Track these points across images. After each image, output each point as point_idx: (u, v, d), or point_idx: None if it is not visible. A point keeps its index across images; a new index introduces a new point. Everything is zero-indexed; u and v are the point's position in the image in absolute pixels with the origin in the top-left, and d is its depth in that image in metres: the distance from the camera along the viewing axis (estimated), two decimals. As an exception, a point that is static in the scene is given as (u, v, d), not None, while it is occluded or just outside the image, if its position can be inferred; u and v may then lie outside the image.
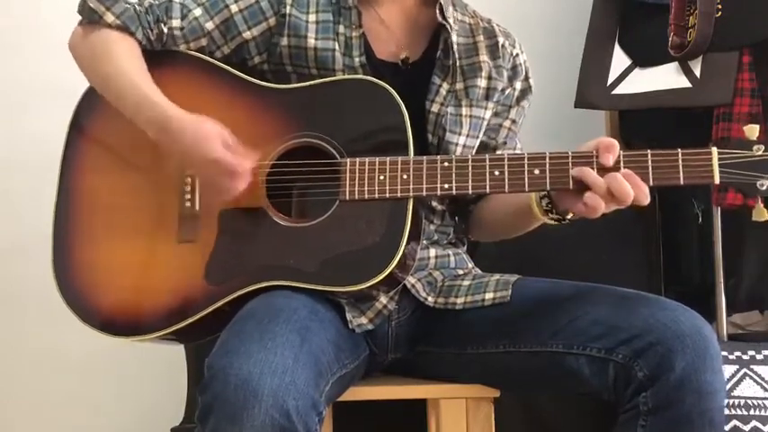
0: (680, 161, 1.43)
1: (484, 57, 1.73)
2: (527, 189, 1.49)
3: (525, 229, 1.72)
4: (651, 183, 1.44)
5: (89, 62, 1.66)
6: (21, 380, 2.62)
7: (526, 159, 1.48)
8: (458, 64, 1.69)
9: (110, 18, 1.63)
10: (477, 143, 1.74)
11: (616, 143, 1.46)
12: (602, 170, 1.45)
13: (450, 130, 1.67)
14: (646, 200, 1.44)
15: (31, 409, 2.63)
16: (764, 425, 2.11)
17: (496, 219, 1.75)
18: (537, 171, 1.48)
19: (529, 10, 2.76)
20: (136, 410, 2.63)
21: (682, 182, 1.43)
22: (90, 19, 1.64)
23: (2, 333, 2.61)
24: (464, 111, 1.70)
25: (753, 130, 1.44)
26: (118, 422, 2.64)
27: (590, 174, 1.45)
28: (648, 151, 1.44)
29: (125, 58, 1.62)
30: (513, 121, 1.80)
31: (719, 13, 2.17)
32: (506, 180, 1.49)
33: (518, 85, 1.78)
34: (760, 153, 1.42)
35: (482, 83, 1.72)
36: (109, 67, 1.61)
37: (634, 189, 1.42)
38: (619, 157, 1.45)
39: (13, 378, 2.62)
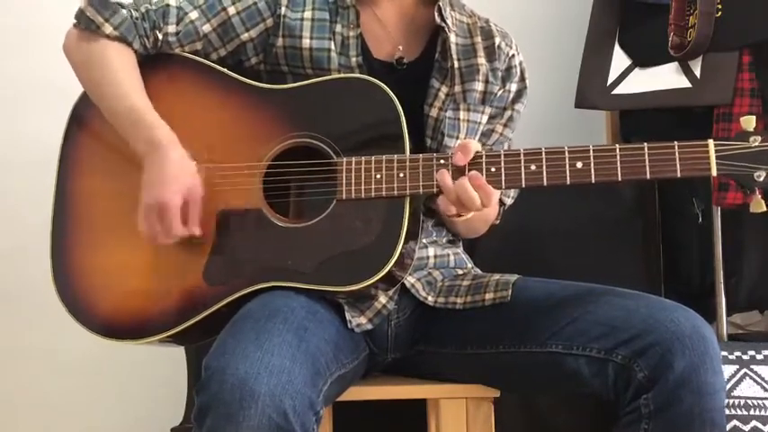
0: (677, 153, 1.43)
1: (481, 59, 1.72)
2: (524, 185, 1.49)
3: (460, 231, 1.74)
4: (648, 175, 1.44)
5: (84, 69, 1.66)
6: (20, 380, 2.62)
7: (522, 155, 1.48)
8: (456, 66, 1.69)
9: (108, 29, 1.62)
10: None
11: (471, 144, 1.50)
12: (457, 172, 1.49)
13: (448, 134, 1.67)
14: (489, 204, 1.48)
15: (31, 409, 2.62)
16: (764, 425, 2.10)
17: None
18: (533, 167, 1.48)
19: (529, 10, 2.76)
20: (136, 410, 2.63)
21: (679, 174, 1.43)
22: (86, 27, 1.64)
23: (2, 333, 2.61)
24: (462, 115, 1.70)
25: (749, 122, 1.43)
26: (118, 422, 2.64)
27: (445, 177, 1.48)
28: (645, 144, 1.44)
29: (122, 72, 1.62)
30: (505, 126, 1.79)
31: (719, 13, 2.17)
32: (503, 176, 1.49)
33: (512, 86, 1.77)
34: (756, 144, 1.41)
35: (479, 86, 1.71)
36: (105, 80, 1.62)
37: (479, 191, 1.47)
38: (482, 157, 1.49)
39: (12, 378, 2.62)
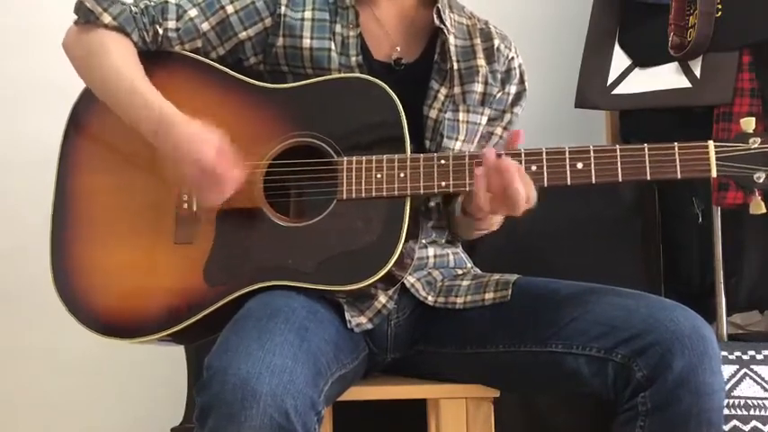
0: (677, 155, 1.43)
1: (481, 60, 1.72)
2: None
3: (469, 232, 1.74)
4: (648, 177, 1.44)
5: (84, 62, 1.66)
6: (20, 380, 2.62)
7: (523, 156, 1.48)
8: (455, 68, 1.69)
9: (106, 19, 1.63)
10: (473, 148, 1.74)
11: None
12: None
13: (448, 135, 1.67)
14: (532, 200, 1.45)
15: (31, 409, 2.62)
16: (764, 425, 2.11)
17: (450, 221, 1.76)
18: (534, 167, 1.48)
19: (529, 10, 2.76)
20: (136, 410, 2.63)
21: (679, 175, 1.43)
22: (86, 19, 1.64)
23: (2, 333, 2.61)
24: (461, 116, 1.70)
25: (749, 123, 1.44)
26: (118, 422, 2.64)
27: (491, 153, 1.45)
28: (645, 145, 1.45)
29: (121, 59, 1.62)
30: (504, 129, 1.80)
31: (719, 13, 2.17)
32: None
33: (511, 89, 1.77)
34: (756, 146, 1.42)
35: (479, 88, 1.71)
36: (105, 68, 1.61)
37: (521, 183, 1.43)
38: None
39: (12, 378, 2.62)
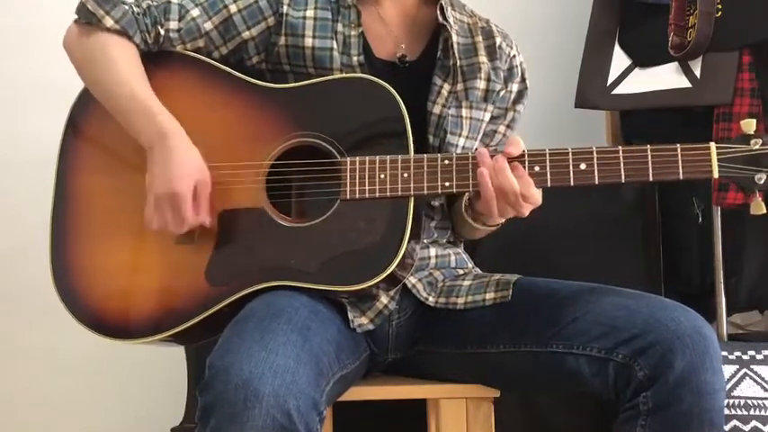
0: (679, 156, 1.44)
1: (483, 58, 1.73)
2: None
3: (474, 232, 1.74)
4: (651, 178, 1.45)
5: (85, 64, 1.65)
6: (20, 380, 2.62)
7: (527, 157, 1.49)
8: (458, 65, 1.69)
9: (109, 22, 1.62)
10: (476, 145, 1.74)
11: (519, 140, 1.50)
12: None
13: (451, 131, 1.67)
14: (529, 193, 1.47)
15: (31, 409, 2.62)
16: (764, 425, 2.11)
17: (455, 221, 1.76)
18: (537, 168, 1.48)
19: (529, 10, 2.77)
20: (136, 410, 2.63)
21: (681, 176, 1.44)
22: (88, 20, 1.64)
23: (2, 333, 2.61)
24: (464, 112, 1.70)
25: (750, 125, 1.45)
26: (118, 422, 2.64)
27: (484, 156, 1.48)
28: (648, 146, 1.46)
29: (123, 64, 1.61)
30: (508, 126, 1.80)
31: (719, 13, 2.17)
32: None
33: (514, 87, 1.78)
34: (757, 147, 1.43)
35: (481, 84, 1.72)
36: (106, 73, 1.61)
37: (519, 181, 1.46)
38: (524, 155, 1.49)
39: (12, 378, 2.61)
